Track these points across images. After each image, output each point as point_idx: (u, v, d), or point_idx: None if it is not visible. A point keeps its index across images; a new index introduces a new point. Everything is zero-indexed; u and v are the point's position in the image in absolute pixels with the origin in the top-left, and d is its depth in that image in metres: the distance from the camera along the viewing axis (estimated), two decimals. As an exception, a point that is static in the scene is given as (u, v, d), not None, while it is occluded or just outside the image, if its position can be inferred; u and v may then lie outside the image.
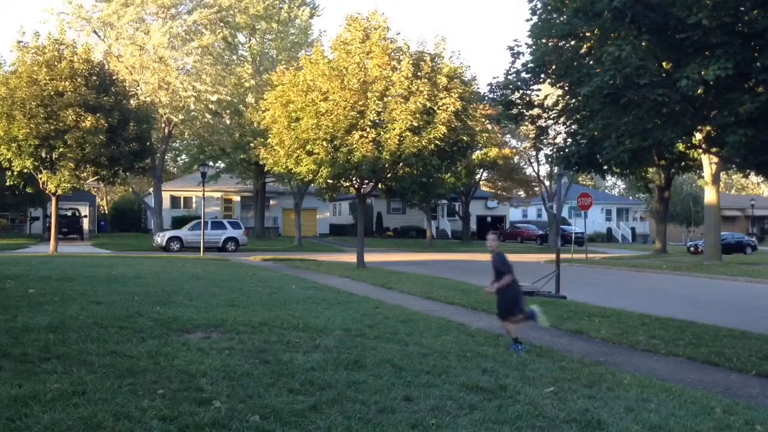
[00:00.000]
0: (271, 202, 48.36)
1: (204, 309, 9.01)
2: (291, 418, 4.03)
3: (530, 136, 24.67)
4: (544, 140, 18.25)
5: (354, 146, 18.70)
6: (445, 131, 18.83)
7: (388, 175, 20.87)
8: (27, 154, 23.96)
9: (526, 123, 15.77)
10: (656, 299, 14.33)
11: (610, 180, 74.31)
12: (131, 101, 27.54)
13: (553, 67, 12.23)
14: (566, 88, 12.45)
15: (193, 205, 47.50)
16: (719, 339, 8.31)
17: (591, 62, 10.96)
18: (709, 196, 28.56)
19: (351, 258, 24.48)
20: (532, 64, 12.72)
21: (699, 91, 9.44)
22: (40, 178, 24.99)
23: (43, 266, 16.49)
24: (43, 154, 24.42)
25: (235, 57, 37.71)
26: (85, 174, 26.14)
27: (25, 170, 24.57)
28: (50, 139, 23.63)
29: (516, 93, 13.64)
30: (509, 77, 13.62)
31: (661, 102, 9.71)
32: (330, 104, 18.80)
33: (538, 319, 7.41)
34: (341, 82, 18.88)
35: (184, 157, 45.55)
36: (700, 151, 19.93)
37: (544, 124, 14.96)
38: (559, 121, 14.16)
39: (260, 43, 38.39)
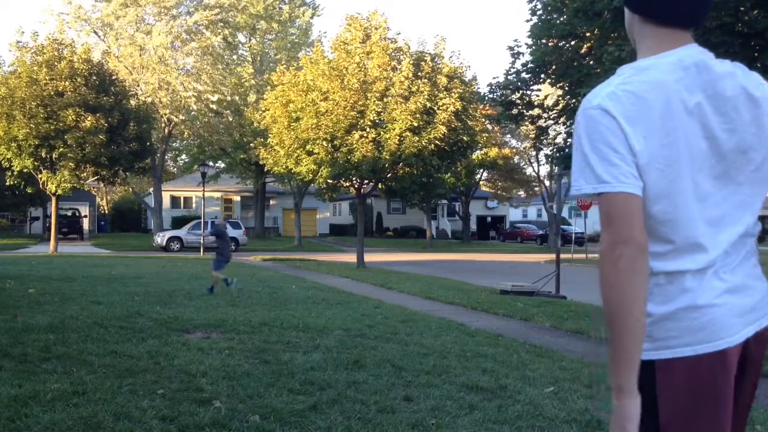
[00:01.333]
0: (271, 202, 48.38)
1: (204, 309, 9.01)
2: (291, 418, 4.03)
3: (530, 136, 24.70)
4: (544, 140, 18.28)
5: (354, 146, 18.71)
6: (445, 131, 18.84)
7: (388, 175, 20.88)
8: (27, 154, 23.97)
9: (526, 123, 15.79)
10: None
11: (610, 180, 74.24)
12: (131, 101, 27.55)
13: (553, 67, 12.24)
14: (566, 88, 12.46)
15: (193, 205, 47.51)
16: (719, 339, 8.29)
17: (591, 62, 10.97)
18: (709, 196, 28.53)
19: (351, 258, 24.48)
20: (532, 64, 12.74)
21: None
22: (40, 178, 25.00)
23: (43, 266, 16.49)
24: (43, 154, 24.44)
25: (235, 57, 37.74)
26: (85, 174, 26.16)
27: (25, 170, 24.58)
28: (50, 139, 23.64)
29: (516, 93, 13.65)
30: (509, 77, 13.63)
31: (661, 102, 9.71)
32: (330, 104, 18.81)
33: (232, 286, 11.51)
34: (341, 82, 18.89)
35: (184, 157, 45.59)
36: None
37: (544, 124, 14.97)
38: (559, 121, 14.17)
39: (260, 43, 38.41)
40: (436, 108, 18.99)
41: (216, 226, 13.38)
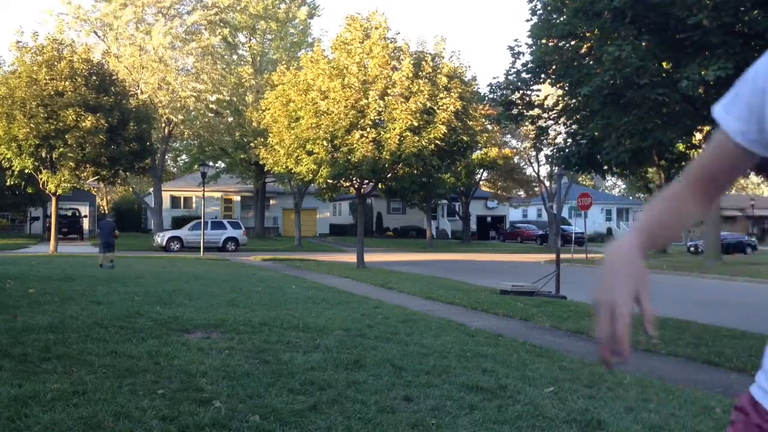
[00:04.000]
0: (271, 202, 48.36)
1: (204, 309, 9.01)
2: (291, 418, 4.03)
3: (530, 136, 24.70)
4: (544, 140, 18.28)
5: (354, 146, 18.71)
6: (446, 131, 18.84)
7: (388, 175, 20.87)
8: (27, 154, 23.97)
9: (526, 123, 15.79)
10: (656, 299, 14.21)
11: (610, 180, 74.42)
12: (131, 101, 27.56)
13: (553, 67, 12.25)
14: (566, 88, 12.47)
15: (193, 205, 47.50)
16: (719, 339, 8.30)
17: (591, 62, 10.97)
18: (709, 196, 28.51)
19: (351, 258, 24.48)
20: (532, 64, 12.75)
21: (699, 90, 9.44)
22: (41, 178, 24.99)
23: (43, 266, 16.50)
24: (44, 154, 24.43)
25: (235, 57, 37.74)
26: (85, 174, 26.16)
27: (26, 170, 24.57)
28: (50, 139, 23.64)
29: (516, 93, 13.66)
30: (509, 77, 13.64)
31: (662, 102, 9.72)
32: (330, 103, 18.81)
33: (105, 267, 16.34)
34: (341, 82, 18.89)
35: (184, 157, 45.58)
36: (700, 151, 19.92)
37: (544, 125, 14.98)
38: (559, 122, 14.19)
39: (260, 43, 38.41)
40: (436, 108, 18.99)
41: (100, 222, 18.45)
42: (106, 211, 56.59)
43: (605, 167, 13.06)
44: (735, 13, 8.48)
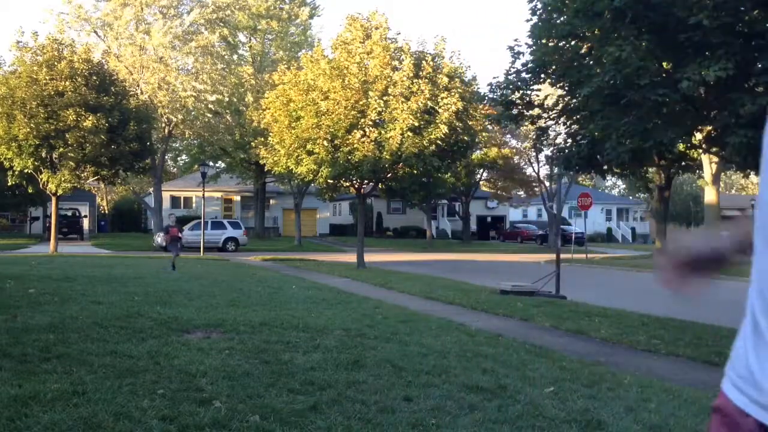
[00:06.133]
0: (271, 202, 48.36)
1: (204, 309, 9.01)
2: (291, 418, 4.02)
3: (530, 136, 24.69)
4: (545, 141, 18.28)
5: (355, 146, 18.70)
6: (447, 131, 18.84)
7: (389, 175, 20.87)
8: (27, 154, 23.97)
9: (526, 123, 15.79)
10: (656, 299, 14.29)
11: (610, 180, 74.37)
12: (131, 101, 27.57)
13: (553, 67, 12.25)
14: (566, 88, 12.47)
15: (193, 205, 47.49)
16: (719, 339, 8.30)
17: (591, 62, 10.97)
18: (709, 196, 28.55)
19: (351, 258, 24.47)
20: (532, 64, 12.75)
21: (700, 91, 9.44)
22: (41, 178, 24.99)
23: (43, 266, 16.49)
24: (44, 154, 24.44)
25: (235, 57, 37.74)
26: (85, 174, 26.16)
27: (26, 170, 24.57)
28: (51, 139, 23.65)
29: (516, 93, 13.66)
30: (509, 77, 13.64)
31: (662, 102, 9.72)
32: (330, 103, 18.81)
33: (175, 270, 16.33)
34: (342, 82, 18.89)
35: (184, 157, 45.60)
36: (701, 151, 19.93)
37: (544, 125, 14.98)
38: (560, 122, 14.19)
39: (261, 42, 38.42)
40: (437, 107, 18.98)
41: (166, 227, 19.75)
42: (106, 211, 56.58)
43: (605, 167, 13.07)
44: (735, 12, 8.48)
